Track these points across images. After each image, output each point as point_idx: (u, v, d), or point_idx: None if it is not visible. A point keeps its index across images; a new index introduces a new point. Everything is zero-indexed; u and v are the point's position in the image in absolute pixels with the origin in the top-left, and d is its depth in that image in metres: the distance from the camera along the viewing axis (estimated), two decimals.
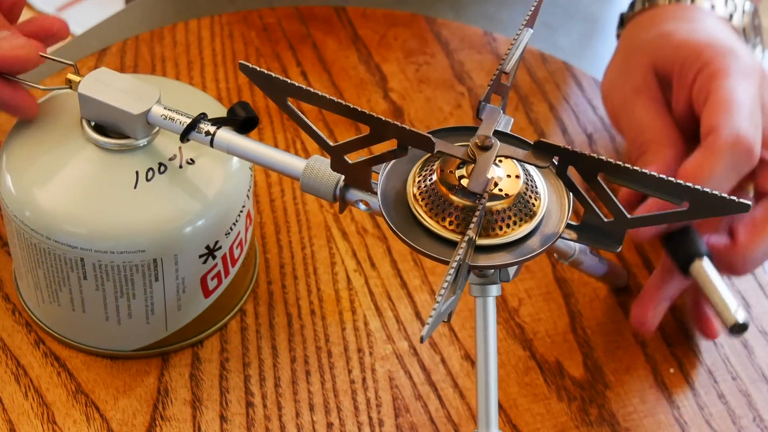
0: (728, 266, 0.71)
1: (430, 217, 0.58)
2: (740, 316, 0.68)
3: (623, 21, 0.84)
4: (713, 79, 0.72)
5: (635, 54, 0.78)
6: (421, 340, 0.50)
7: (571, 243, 0.68)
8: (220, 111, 0.69)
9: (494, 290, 0.61)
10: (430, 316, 0.51)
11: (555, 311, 0.76)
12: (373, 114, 0.57)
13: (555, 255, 0.76)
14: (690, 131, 0.74)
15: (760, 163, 0.71)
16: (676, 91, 0.75)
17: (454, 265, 0.53)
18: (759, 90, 0.72)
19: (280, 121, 0.85)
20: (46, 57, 0.67)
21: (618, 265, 0.76)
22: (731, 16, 0.79)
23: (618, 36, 0.84)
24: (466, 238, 0.55)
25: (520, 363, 0.74)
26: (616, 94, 0.79)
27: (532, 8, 0.63)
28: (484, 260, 0.58)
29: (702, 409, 0.72)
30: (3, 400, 0.69)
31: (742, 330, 0.68)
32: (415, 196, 0.59)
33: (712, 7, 0.79)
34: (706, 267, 0.70)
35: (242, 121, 0.67)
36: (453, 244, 0.58)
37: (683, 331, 0.76)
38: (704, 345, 0.75)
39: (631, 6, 0.83)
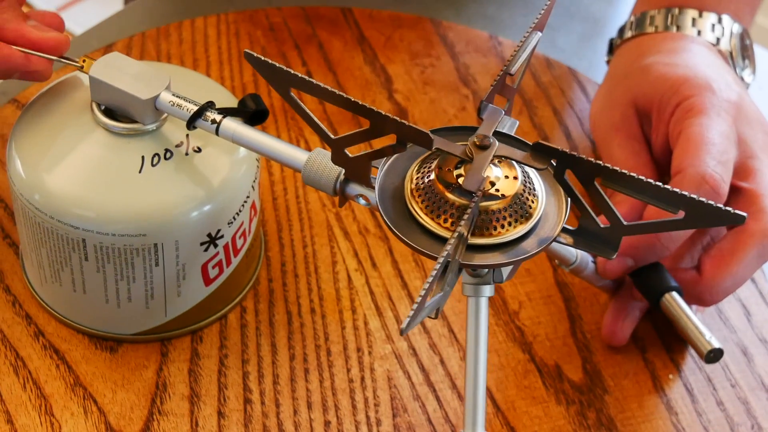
0: (696, 298, 0.72)
1: (426, 214, 0.59)
2: (715, 342, 0.70)
3: (612, 47, 0.84)
4: (687, 116, 0.73)
5: (617, 88, 0.79)
6: (401, 332, 0.50)
7: (573, 251, 0.68)
8: (233, 102, 0.70)
9: (487, 291, 0.61)
10: (412, 309, 0.51)
11: (555, 315, 0.76)
12: (373, 108, 0.57)
13: (556, 261, 0.76)
14: (668, 166, 0.74)
15: (733, 195, 0.72)
16: (655, 126, 0.76)
17: (441, 260, 0.53)
18: (733, 125, 0.73)
19: (284, 119, 0.85)
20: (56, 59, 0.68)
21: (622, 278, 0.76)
22: (718, 41, 0.80)
23: (607, 62, 0.84)
24: (456, 234, 0.55)
25: (520, 366, 0.73)
26: (599, 129, 0.80)
27: (542, 11, 0.63)
28: (477, 259, 0.58)
29: (700, 415, 0.72)
30: (1, 391, 0.70)
31: (717, 356, 0.70)
32: (412, 192, 0.59)
33: (699, 33, 0.79)
34: (676, 299, 0.72)
35: (252, 113, 0.67)
36: None
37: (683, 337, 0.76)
38: None
39: (620, 32, 0.84)
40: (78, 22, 1.75)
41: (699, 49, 0.78)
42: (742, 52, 0.81)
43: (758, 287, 0.79)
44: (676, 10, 0.80)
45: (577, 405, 0.72)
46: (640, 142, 0.77)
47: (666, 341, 0.75)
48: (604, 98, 0.81)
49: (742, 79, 0.80)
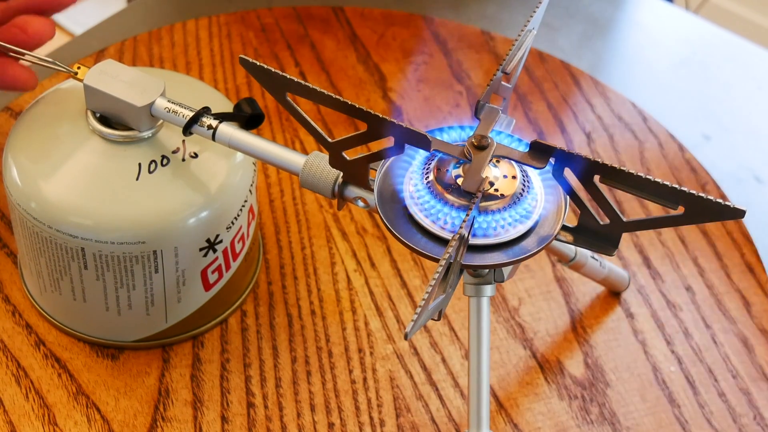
0: None
1: (427, 216, 0.58)
2: None
3: None
4: None
5: None
6: (405, 336, 0.50)
7: (572, 246, 0.68)
8: (228, 107, 0.70)
9: (488, 290, 0.61)
10: (416, 313, 0.51)
11: (555, 310, 0.76)
12: (371, 111, 0.57)
13: (555, 258, 0.76)
14: None
15: None
16: None
17: (443, 263, 0.53)
18: None
19: (278, 121, 0.85)
20: (43, 63, 0.68)
21: (620, 270, 0.76)
22: None
23: None
24: (458, 235, 0.55)
25: (521, 362, 0.74)
26: None
27: (536, 9, 0.63)
28: (478, 260, 0.58)
29: (702, 407, 0.72)
30: (4, 401, 0.69)
31: None
32: (411, 194, 0.59)
33: None
34: None
35: (247, 117, 0.67)
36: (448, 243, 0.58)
37: (683, 329, 0.76)
38: (704, 343, 0.75)
39: None
40: (78, 22, 1.74)
41: None
42: None
43: (757, 278, 0.79)
44: None
45: (579, 400, 0.72)
46: None
47: (666, 334, 0.75)
48: None
49: None
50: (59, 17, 1.71)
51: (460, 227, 0.55)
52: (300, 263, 0.77)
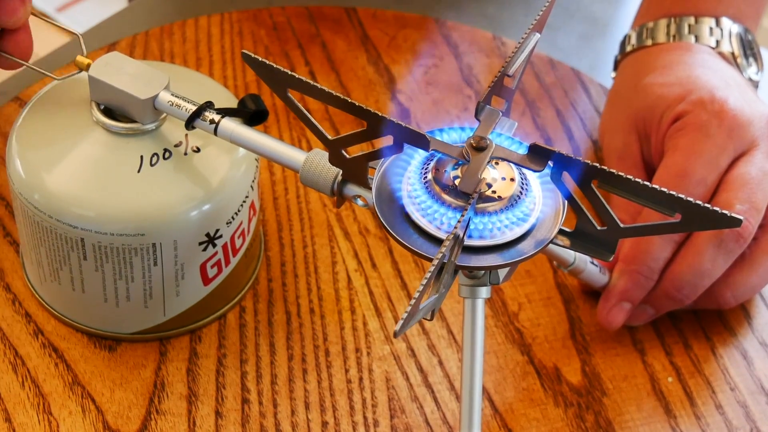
0: (664, 296, 0.74)
1: (423, 216, 0.58)
2: None
3: (617, 64, 0.84)
4: (674, 136, 0.73)
5: (619, 110, 0.79)
6: (395, 334, 0.50)
7: (571, 251, 0.68)
8: (233, 102, 0.70)
9: (484, 292, 0.61)
10: (406, 311, 0.51)
11: (555, 317, 0.76)
12: (370, 109, 0.57)
13: (555, 262, 0.76)
14: None
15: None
16: (654, 147, 0.76)
17: (436, 261, 0.53)
18: (723, 139, 0.72)
19: (285, 119, 0.85)
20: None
21: None
22: (718, 44, 0.79)
23: (613, 79, 0.84)
24: (452, 235, 0.55)
25: (518, 368, 0.73)
26: (605, 151, 0.80)
27: (542, 11, 0.62)
28: (473, 261, 0.58)
29: (699, 419, 0.72)
30: (0, 389, 0.70)
31: None
32: (409, 193, 0.59)
33: (696, 39, 0.79)
34: None
35: (251, 113, 0.67)
36: None
37: (683, 340, 0.75)
38: (703, 355, 0.75)
39: (621, 47, 0.83)
40: (78, 22, 1.75)
41: (696, 58, 0.78)
42: (745, 51, 0.80)
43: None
44: (672, 20, 0.80)
45: (575, 407, 0.72)
46: (640, 170, 0.77)
47: (665, 344, 0.75)
48: (608, 120, 0.81)
49: (749, 79, 0.80)
50: (59, 17, 1.72)
51: (455, 227, 0.55)
52: (301, 261, 0.77)
